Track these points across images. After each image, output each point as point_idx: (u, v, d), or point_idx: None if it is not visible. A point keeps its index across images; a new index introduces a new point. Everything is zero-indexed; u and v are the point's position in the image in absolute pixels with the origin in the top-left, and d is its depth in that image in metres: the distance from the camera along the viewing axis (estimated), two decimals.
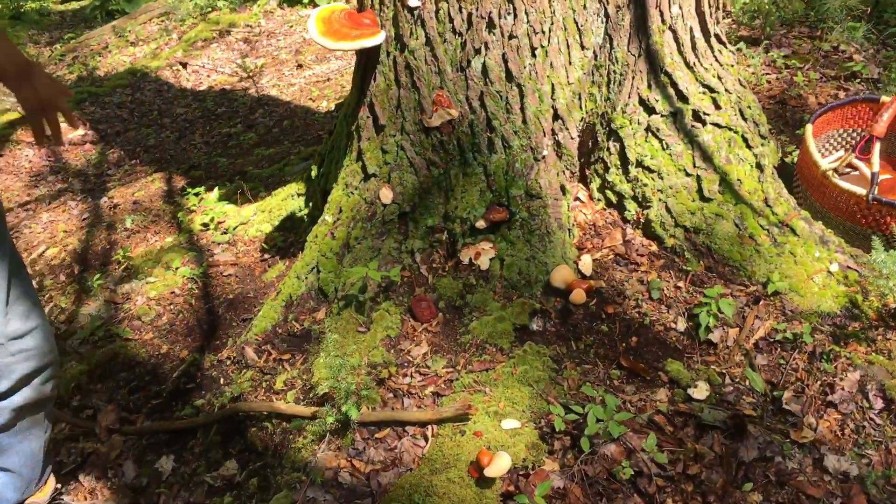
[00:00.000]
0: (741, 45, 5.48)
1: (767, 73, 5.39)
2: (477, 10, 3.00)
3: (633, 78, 3.20)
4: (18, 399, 2.49)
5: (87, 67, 9.29)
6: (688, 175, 3.25)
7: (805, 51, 5.62)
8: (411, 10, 3.06)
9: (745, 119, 3.37)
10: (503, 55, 3.07)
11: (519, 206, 3.18)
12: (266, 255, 4.19)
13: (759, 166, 3.32)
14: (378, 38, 3.09)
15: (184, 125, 7.11)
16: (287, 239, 4.22)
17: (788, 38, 5.90)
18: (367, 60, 3.30)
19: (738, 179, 3.26)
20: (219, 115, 7.13)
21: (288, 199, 4.41)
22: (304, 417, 2.91)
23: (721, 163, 3.25)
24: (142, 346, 3.69)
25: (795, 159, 4.12)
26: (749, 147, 3.33)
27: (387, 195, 3.28)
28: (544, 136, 3.19)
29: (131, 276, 4.30)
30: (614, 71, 3.20)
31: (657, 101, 3.22)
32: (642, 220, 3.33)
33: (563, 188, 3.28)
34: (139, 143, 6.92)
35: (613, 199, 3.40)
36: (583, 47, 3.16)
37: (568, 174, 3.32)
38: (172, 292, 4.05)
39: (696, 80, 3.27)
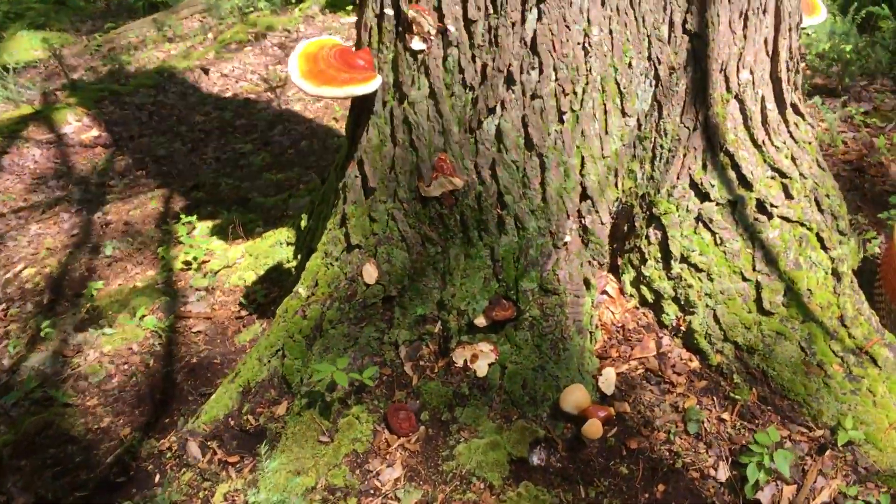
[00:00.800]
0: (816, 98, 4.78)
1: (844, 132, 4.71)
2: (494, 61, 2.39)
3: (685, 155, 2.57)
4: None
5: (118, 61, 8.90)
6: (745, 279, 2.61)
7: (888, 107, 4.92)
8: (414, 53, 2.47)
9: (821, 211, 2.71)
10: (523, 118, 2.46)
11: (530, 303, 2.56)
12: (244, 312, 3.63)
13: (836, 274, 2.66)
14: (370, 86, 2.50)
15: (199, 136, 6.62)
16: (269, 294, 3.66)
17: (869, 92, 5.20)
18: (360, 107, 2.72)
19: (809, 289, 2.60)
20: (236, 127, 6.63)
21: (276, 247, 3.85)
22: None
23: (788, 267, 2.60)
24: (81, 416, 3.15)
25: (876, 248, 3.44)
26: (825, 248, 2.67)
27: (371, 273, 2.69)
28: (568, 218, 2.57)
29: (92, 321, 3.77)
30: (661, 145, 2.57)
31: (713, 185, 2.58)
32: (683, 328, 2.70)
33: (587, 282, 2.65)
34: (150, 152, 6.45)
35: (650, 297, 2.77)
36: (624, 114, 2.53)
37: (595, 266, 2.70)
38: (130, 348, 3.50)
39: (765, 161, 2.62)
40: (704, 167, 2.58)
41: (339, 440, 2.54)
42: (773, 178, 2.63)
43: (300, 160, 5.76)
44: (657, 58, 2.44)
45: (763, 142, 2.61)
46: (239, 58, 8.39)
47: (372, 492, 2.45)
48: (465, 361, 2.60)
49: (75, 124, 7.19)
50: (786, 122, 2.70)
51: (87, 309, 3.88)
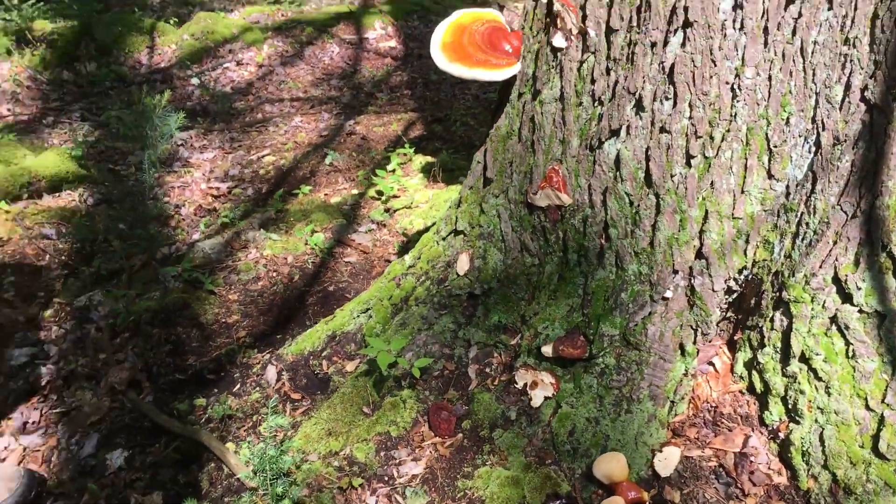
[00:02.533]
0: None
1: None
2: (626, 79, 2.11)
3: (835, 243, 2.11)
4: None
5: None
6: (868, 408, 2.13)
7: None
8: (555, 50, 2.25)
9: None
10: (647, 150, 2.16)
11: (605, 350, 2.31)
12: (394, 257, 3.68)
13: None
14: (501, 73, 2.34)
15: None
16: None
17: None
18: (504, 92, 2.55)
19: None
20: None
21: (449, 202, 3.81)
22: (247, 487, 2.43)
23: None
24: (217, 306, 3.42)
25: None
26: None
27: (464, 264, 2.57)
28: (675, 273, 2.25)
29: (277, 221, 4.03)
30: (807, 223, 2.13)
31: (860, 288, 2.11)
32: (782, 435, 2.29)
33: (682, 348, 2.33)
34: (424, 74, 6.66)
35: (759, 386, 2.37)
36: (770, 176, 2.12)
37: (697, 334, 2.35)
38: (286, 259, 3.71)
39: None
40: (856, 263, 2.10)
41: (378, 417, 2.52)
42: None
43: None
44: (822, 121, 2.00)
45: None
46: None
47: (386, 479, 2.41)
48: (526, 385, 2.43)
49: (379, 31, 7.57)
50: None
51: (278, 209, 4.15)
